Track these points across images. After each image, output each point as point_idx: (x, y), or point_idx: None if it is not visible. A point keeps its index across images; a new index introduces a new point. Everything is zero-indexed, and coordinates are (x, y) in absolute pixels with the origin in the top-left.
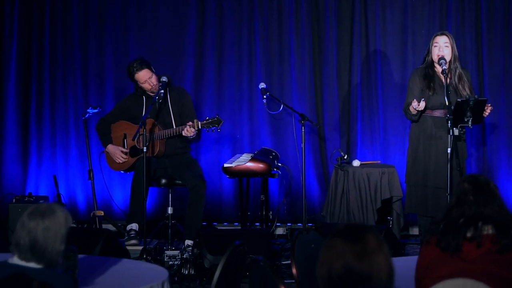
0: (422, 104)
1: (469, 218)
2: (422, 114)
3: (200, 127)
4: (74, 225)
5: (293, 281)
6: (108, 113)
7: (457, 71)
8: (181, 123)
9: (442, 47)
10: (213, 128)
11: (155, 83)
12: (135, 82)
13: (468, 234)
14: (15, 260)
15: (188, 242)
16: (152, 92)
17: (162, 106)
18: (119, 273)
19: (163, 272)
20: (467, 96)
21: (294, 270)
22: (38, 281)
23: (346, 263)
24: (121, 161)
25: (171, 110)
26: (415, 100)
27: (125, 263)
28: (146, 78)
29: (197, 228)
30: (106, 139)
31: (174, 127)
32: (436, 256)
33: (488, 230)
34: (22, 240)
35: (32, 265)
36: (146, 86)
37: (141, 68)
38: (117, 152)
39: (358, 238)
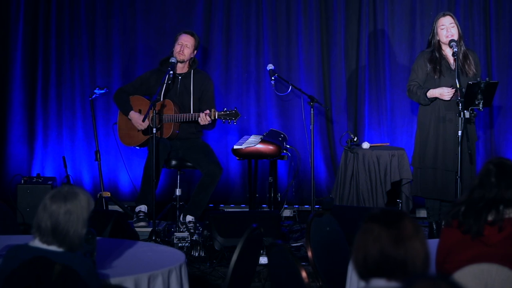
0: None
1: (489, 201)
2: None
3: (216, 117)
4: None
5: (304, 263)
6: (127, 84)
7: (462, 49)
8: (199, 108)
9: (449, 28)
10: (229, 120)
11: (185, 53)
12: (174, 42)
13: (490, 218)
14: (36, 243)
15: (190, 218)
16: (177, 60)
17: (183, 87)
18: (135, 256)
19: (180, 255)
20: (478, 79)
21: (309, 253)
22: (60, 264)
23: (382, 248)
24: (141, 128)
25: (192, 92)
26: (445, 88)
27: (140, 245)
28: (184, 41)
29: (202, 208)
30: (128, 106)
31: (192, 110)
32: (458, 240)
33: (510, 213)
34: (44, 223)
35: (53, 248)
36: (177, 47)
37: (189, 33)
38: (140, 120)
39: (394, 223)
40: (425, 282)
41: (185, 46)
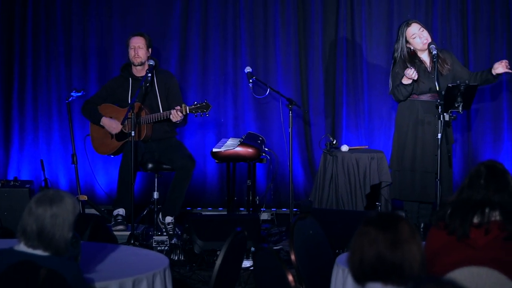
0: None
1: (476, 203)
2: (410, 98)
3: (188, 112)
4: None
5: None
6: (93, 95)
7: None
8: (168, 106)
9: (421, 34)
10: (201, 113)
11: (140, 55)
12: (127, 48)
13: (475, 220)
14: (22, 247)
15: (169, 219)
16: (133, 63)
17: (149, 89)
18: (119, 259)
19: (163, 259)
20: (458, 81)
21: (293, 257)
22: (46, 268)
23: (378, 251)
24: (116, 132)
25: (158, 93)
26: (410, 68)
27: (123, 249)
28: (135, 43)
29: (179, 206)
30: (97, 115)
31: (161, 110)
32: (445, 242)
33: (496, 216)
34: (29, 227)
35: (39, 252)
36: (131, 52)
37: (138, 34)
38: (113, 123)
39: (391, 226)
40: (432, 285)
41: (138, 48)
